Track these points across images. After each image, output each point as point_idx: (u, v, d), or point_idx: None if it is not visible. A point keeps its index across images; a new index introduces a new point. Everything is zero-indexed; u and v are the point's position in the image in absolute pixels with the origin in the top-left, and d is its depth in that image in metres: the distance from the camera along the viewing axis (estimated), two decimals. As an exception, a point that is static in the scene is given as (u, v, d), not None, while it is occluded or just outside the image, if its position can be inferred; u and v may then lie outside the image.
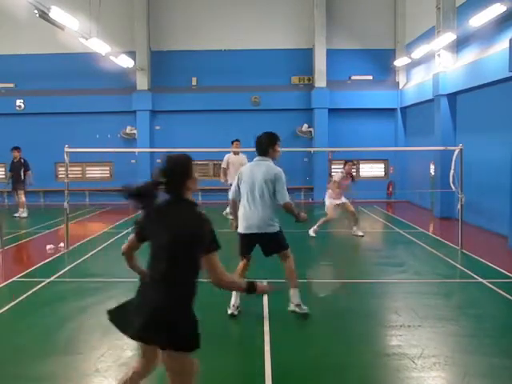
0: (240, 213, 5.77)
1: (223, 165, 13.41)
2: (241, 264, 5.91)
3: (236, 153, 13.20)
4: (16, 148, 14.59)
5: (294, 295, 5.83)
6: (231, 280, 3.21)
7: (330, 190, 11.37)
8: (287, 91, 18.27)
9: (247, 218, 5.68)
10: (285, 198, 5.62)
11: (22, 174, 14.37)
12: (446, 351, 4.81)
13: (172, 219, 3.02)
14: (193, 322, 2.97)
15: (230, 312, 5.82)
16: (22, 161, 14.48)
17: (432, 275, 7.78)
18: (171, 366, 3.00)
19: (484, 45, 11.65)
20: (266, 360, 4.59)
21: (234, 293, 5.76)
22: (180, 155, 3.20)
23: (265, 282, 7.08)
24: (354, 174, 11.85)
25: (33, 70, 18.13)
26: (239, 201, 5.84)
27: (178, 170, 3.08)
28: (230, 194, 5.89)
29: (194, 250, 2.98)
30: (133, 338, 3.06)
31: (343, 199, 11.32)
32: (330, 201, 11.26)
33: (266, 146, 5.76)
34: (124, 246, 3.27)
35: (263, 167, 5.69)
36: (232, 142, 13.32)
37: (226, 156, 13.38)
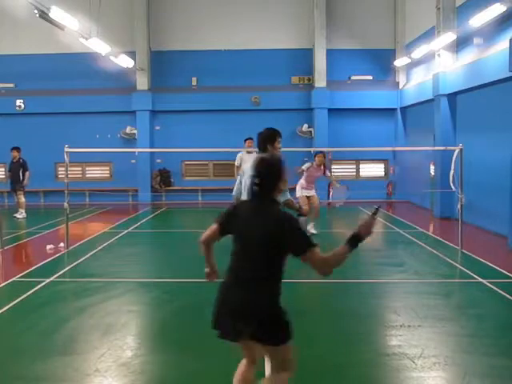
0: None
1: (236, 163, 13.46)
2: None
3: (249, 151, 13.25)
4: (15, 148, 14.54)
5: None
6: (333, 258, 3.11)
7: (301, 181, 11.44)
8: (287, 91, 18.27)
9: None
10: (285, 195, 5.66)
11: (21, 174, 14.34)
12: (446, 351, 4.81)
13: (264, 219, 3.06)
14: (285, 315, 3.11)
15: None
16: (21, 161, 14.44)
17: (432, 275, 7.78)
18: (275, 356, 3.26)
19: (484, 45, 11.65)
20: (266, 360, 4.58)
21: None
22: (274, 157, 3.27)
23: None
24: (331, 168, 11.85)
25: (33, 70, 18.13)
26: None
27: (272, 173, 3.14)
28: (234, 191, 5.94)
29: (283, 248, 3.05)
30: (233, 340, 3.19)
31: (313, 192, 11.35)
32: (300, 191, 11.30)
33: (264, 142, 5.75)
34: (204, 235, 3.36)
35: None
36: (245, 141, 13.26)
37: (239, 154, 13.39)
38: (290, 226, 3.02)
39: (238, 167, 13.35)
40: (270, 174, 3.13)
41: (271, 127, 5.95)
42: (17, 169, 14.38)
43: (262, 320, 2.99)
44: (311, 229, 10.97)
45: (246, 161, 13.26)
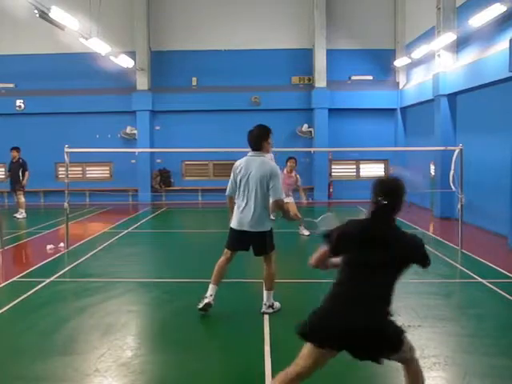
0: (235, 209, 5.67)
1: None
2: (223, 258, 5.80)
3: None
4: (15, 148, 14.51)
5: (268, 297, 5.74)
6: None
7: None
8: (287, 91, 18.27)
9: (241, 215, 5.57)
10: (279, 194, 5.52)
11: (21, 174, 14.32)
12: (446, 351, 4.81)
13: (392, 239, 3.20)
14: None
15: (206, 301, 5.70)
16: (21, 161, 14.42)
17: (432, 275, 7.77)
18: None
19: (484, 45, 11.65)
20: (266, 360, 4.59)
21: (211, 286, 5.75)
22: (399, 180, 3.39)
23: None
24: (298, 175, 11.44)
25: (33, 70, 18.13)
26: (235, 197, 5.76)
27: (402, 195, 3.30)
28: (227, 191, 5.75)
29: (408, 267, 3.19)
30: (341, 349, 3.22)
31: (289, 199, 11.08)
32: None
33: (259, 139, 5.72)
34: (314, 259, 3.43)
35: (258, 162, 5.57)
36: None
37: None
38: (416, 245, 3.29)
39: None
40: (400, 196, 3.28)
41: (261, 124, 5.93)
42: (16, 169, 14.36)
43: (387, 340, 3.16)
44: (303, 230, 11.14)
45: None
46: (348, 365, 4.59)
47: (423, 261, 3.22)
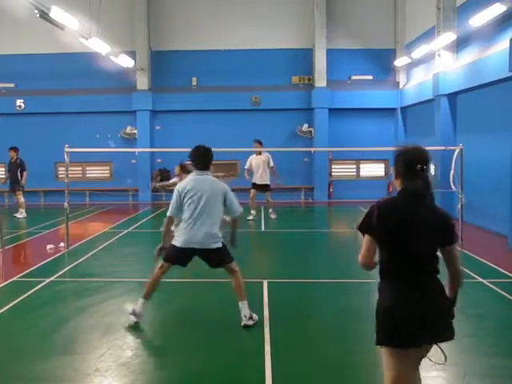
0: (181, 228, 5.54)
1: (246, 166, 13.75)
2: (159, 272, 5.58)
3: (258, 153, 13.41)
4: (13, 148, 14.44)
5: (244, 307, 5.53)
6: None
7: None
8: (287, 91, 18.26)
9: (190, 233, 5.44)
10: (239, 208, 5.67)
11: (19, 174, 14.30)
12: (446, 351, 4.80)
13: (430, 221, 3.09)
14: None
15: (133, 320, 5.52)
16: (19, 161, 14.37)
17: (432, 275, 7.77)
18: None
19: (484, 45, 11.65)
20: (267, 360, 4.59)
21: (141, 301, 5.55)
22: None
23: (265, 282, 7.11)
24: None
25: (33, 70, 18.13)
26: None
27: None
28: (171, 211, 5.54)
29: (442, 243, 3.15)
30: (425, 343, 3.02)
31: None
32: None
33: (208, 160, 5.78)
34: (363, 256, 3.23)
35: (208, 181, 5.63)
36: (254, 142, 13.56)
37: (250, 157, 13.69)
38: (450, 223, 3.18)
39: (248, 170, 13.61)
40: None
41: (204, 145, 5.93)
42: (15, 169, 14.32)
43: (449, 317, 3.15)
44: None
45: (254, 163, 13.44)
46: (347, 364, 4.61)
47: (453, 236, 3.19)
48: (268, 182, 13.44)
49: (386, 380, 3.03)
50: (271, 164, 13.42)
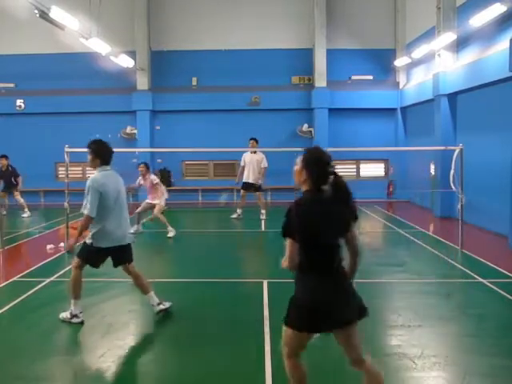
0: (103, 227, 5.43)
1: (242, 163, 13.55)
2: (78, 272, 5.61)
3: (253, 151, 13.29)
4: (3, 156, 14.35)
5: (152, 297, 5.84)
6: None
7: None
8: (287, 91, 18.26)
9: (119, 230, 5.53)
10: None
11: (14, 180, 14.27)
12: (446, 351, 4.81)
13: (338, 213, 3.26)
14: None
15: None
16: (10, 168, 14.33)
17: (432, 275, 7.78)
18: (356, 333, 3.40)
19: (484, 45, 11.65)
20: (267, 360, 4.59)
21: None
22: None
23: (265, 282, 7.11)
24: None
25: (33, 70, 18.13)
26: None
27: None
28: (92, 211, 5.31)
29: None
30: (336, 327, 3.34)
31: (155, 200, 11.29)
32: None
33: (111, 154, 5.65)
34: (289, 259, 3.21)
35: (116, 176, 5.72)
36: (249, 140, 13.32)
37: (244, 155, 13.52)
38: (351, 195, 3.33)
39: (243, 167, 13.43)
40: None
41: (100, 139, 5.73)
42: (8, 177, 14.27)
43: (358, 299, 3.49)
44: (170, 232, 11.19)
45: (247, 160, 13.37)
46: (347, 364, 4.61)
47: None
48: (260, 182, 13.25)
49: (284, 354, 3.43)
50: (265, 165, 13.20)
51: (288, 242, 3.19)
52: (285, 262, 3.23)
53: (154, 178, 11.34)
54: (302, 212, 3.18)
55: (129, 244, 5.71)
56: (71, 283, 5.61)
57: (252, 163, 13.13)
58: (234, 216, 13.15)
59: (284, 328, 3.34)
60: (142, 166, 11.27)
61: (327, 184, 3.25)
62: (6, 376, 4.37)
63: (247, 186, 13.22)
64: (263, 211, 13.25)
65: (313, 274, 3.24)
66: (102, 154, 5.56)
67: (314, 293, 3.20)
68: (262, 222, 12.85)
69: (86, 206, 5.34)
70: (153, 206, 11.28)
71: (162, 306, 5.79)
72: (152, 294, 5.82)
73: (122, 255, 5.65)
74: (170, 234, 11.10)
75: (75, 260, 5.66)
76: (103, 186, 5.39)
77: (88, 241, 5.55)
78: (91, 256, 5.56)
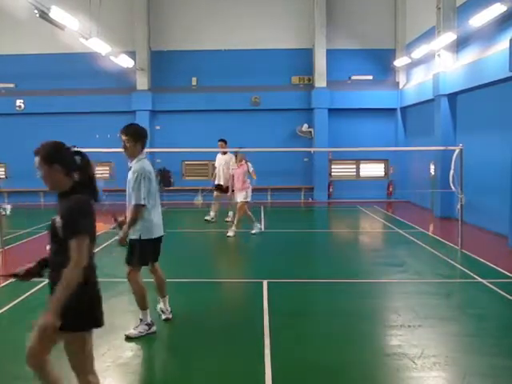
0: (152, 217, 5.26)
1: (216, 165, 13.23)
2: (138, 275, 5.29)
3: (223, 152, 12.90)
4: None
5: (166, 302, 5.69)
6: None
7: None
8: (287, 91, 18.27)
9: (159, 220, 5.38)
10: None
11: None
12: (446, 351, 4.81)
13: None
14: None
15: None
16: None
17: (432, 275, 7.78)
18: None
19: (484, 45, 11.65)
20: (266, 361, 4.59)
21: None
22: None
23: (265, 282, 7.12)
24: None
25: (33, 70, 18.13)
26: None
27: None
28: (144, 199, 5.11)
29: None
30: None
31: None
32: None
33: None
34: (85, 259, 3.22)
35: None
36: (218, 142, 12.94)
37: (218, 156, 13.12)
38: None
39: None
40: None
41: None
42: None
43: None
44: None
45: (218, 162, 12.84)
46: (348, 364, 4.61)
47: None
48: (227, 184, 12.54)
49: (89, 363, 3.37)
50: (234, 166, 12.41)
51: (85, 241, 3.09)
52: (78, 267, 3.04)
53: (250, 166, 11.44)
54: (91, 209, 3.16)
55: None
56: (138, 297, 5.27)
57: (222, 165, 12.77)
58: (207, 218, 12.76)
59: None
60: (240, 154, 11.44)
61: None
62: (5, 376, 4.37)
63: (220, 188, 12.80)
64: (213, 213, 12.88)
65: (90, 271, 3.28)
66: (143, 138, 5.36)
67: (97, 289, 3.46)
68: (229, 224, 12.32)
69: (136, 197, 5.07)
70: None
71: (168, 316, 5.64)
72: (167, 298, 5.67)
73: (159, 247, 5.45)
74: (255, 231, 11.29)
75: (130, 270, 5.27)
76: (148, 173, 5.26)
77: (133, 237, 5.17)
78: (144, 252, 5.22)
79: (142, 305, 5.24)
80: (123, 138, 5.27)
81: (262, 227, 12.14)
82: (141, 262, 5.26)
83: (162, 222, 5.40)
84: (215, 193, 12.99)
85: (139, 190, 5.07)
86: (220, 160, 12.92)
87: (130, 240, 5.18)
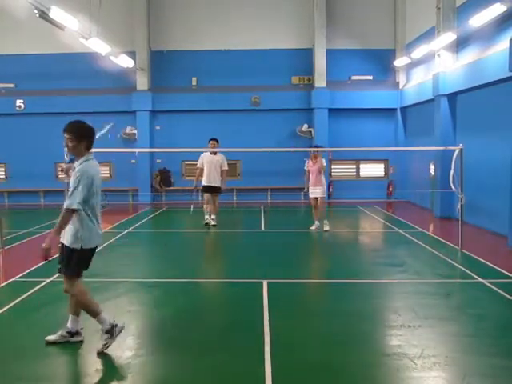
0: (91, 224, 4.73)
1: (198, 165, 12.47)
2: (83, 288, 4.85)
3: (213, 152, 12.31)
4: None
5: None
6: None
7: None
8: (287, 91, 18.27)
9: (99, 228, 4.90)
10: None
11: None
12: (446, 351, 4.81)
13: None
14: None
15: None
16: None
17: (432, 275, 7.78)
18: None
19: (484, 45, 11.65)
20: (266, 360, 4.59)
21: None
22: None
23: (265, 282, 7.12)
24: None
25: (33, 70, 18.14)
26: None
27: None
28: (78, 204, 4.53)
29: None
30: None
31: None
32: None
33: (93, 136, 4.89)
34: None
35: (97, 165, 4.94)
36: (208, 141, 12.39)
37: (201, 156, 12.47)
38: None
39: (201, 169, 12.30)
40: None
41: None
42: None
43: None
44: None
45: (207, 162, 12.11)
46: (348, 364, 4.61)
47: None
48: (219, 185, 12.23)
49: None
50: (225, 167, 12.32)
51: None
52: None
53: (323, 162, 11.65)
54: None
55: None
56: (83, 307, 4.84)
57: (211, 165, 12.17)
58: (209, 222, 12.23)
59: None
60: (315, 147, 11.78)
61: None
62: (6, 376, 4.37)
63: (208, 190, 12.23)
64: (213, 216, 12.23)
65: None
66: (87, 138, 4.77)
67: None
68: (211, 226, 12.13)
69: (70, 199, 4.54)
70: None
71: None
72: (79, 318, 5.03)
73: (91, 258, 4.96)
74: (326, 228, 11.59)
75: (67, 281, 4.82)
76: (95, 174, 4.74)
77: (74, 246, 4.70)
78: (83, 262, 4.82)
79: (92, 313, 4.82)
80: (65, 136, 4.72)
81: (263, 227, 12.13)
82: (78, 273, 4.83)
83: (100, 229, 4.92)
84: (205, 195, 12.33)
85: (74, 193, 4.54)
86: (209, 160, 12.26)
87: (68, 248, 4.74)
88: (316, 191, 11.54)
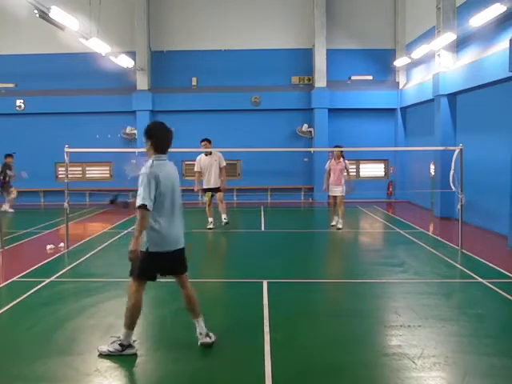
0: (160, 227, 4.76)
1: (196, 168, 12.28)
2: (137, 290, 4.80)
3: (207, 153, 12.08)
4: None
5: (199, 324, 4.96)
6: None
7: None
8: (287, 91, 18.27)
9: (173, 232, 4.87)
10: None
11: (2, 177, 14.97)
12: (446, 351, 4.81)
13: None
14: None
15: None
16: None
17: (432, 275, 7.78)
18: None
19: (484, 45, 11.65)
20: (266, 360, 4.59)
21: None
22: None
23: (265, 282, 7.12)
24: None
25: (33, 70, 18.14)
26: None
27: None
28: (148, 201, 4.54)
29: None
30: None
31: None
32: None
33: (171, 140, 4.90)
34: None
35: (173, 167, 4.93)
36: (200, 142, 12.19)
37: (197, 158, 12.28)
38: None
39: (200, 173, 12.09)
40: None
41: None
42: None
43: None
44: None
45: (204, 164, 11.91)
46: (347, 364, 4.61)
47: None
48: (219, 185, 12.01)
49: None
50: (223, 164, 12.02)
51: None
52: None
53: (348, 163, 11.87)
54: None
55: (183, 247, 4.95)
56: (128, 314, 4.75)
57: (209, 166, 11.92)
58: (211, 226, 12.00)
59: None
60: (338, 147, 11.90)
61: None
62: (6, 376, 4.37)
63: (209, 192, 12.02)
64: (224, 215, 11.98)
65: None
66: (153, 136, 4.84)
67: None
68: (224, 224, 11.95)
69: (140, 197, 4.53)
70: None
71: (207, 339, 4.91)
72: (201, 319, 4.98)
73: (179, 260, 4.97)
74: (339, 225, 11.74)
75: (131, 283, 4.87)
76: (156, 175, 4.61)
77: (141, 248, 4.75)
78: (150, 266, 4.81)
79: (128, 323, 4.74)
80: (143, 140, 4.92)
81: (263, 227, 12.12)
82: (143, 277, 4.84)
83: (180, 233, 4.96)
84: (206, 198, 12.12)
85: (138, 193, 4.58)
86: (206, 163, 12.01)
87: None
88: (336, 190, 11.73)
